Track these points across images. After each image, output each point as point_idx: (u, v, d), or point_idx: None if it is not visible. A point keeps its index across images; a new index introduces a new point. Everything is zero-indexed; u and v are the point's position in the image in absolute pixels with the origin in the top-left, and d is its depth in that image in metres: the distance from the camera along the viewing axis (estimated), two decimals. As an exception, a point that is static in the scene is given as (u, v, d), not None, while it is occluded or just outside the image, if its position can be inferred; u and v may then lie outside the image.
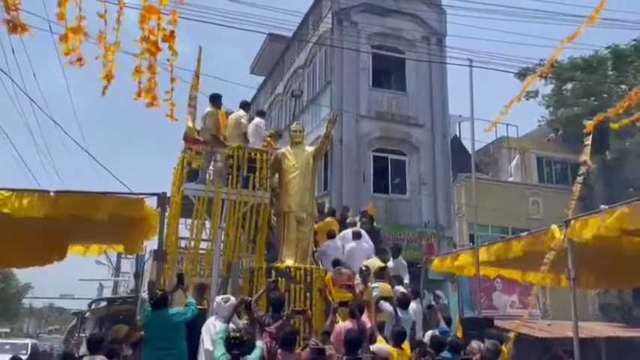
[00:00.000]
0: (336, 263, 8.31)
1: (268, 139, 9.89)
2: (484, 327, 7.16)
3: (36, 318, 68.59)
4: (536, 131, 23.68)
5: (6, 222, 5.91)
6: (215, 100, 9.30)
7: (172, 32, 3.57)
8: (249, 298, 6.35)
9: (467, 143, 19.73)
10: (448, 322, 7.55)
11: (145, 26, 3.57)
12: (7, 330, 42.59)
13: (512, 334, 8.12)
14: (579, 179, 6.94)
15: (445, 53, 18.44)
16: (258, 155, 9.06)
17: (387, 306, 7.12)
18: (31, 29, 3.86)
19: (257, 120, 9.73)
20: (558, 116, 21.57)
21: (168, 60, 3.75)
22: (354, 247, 9.11)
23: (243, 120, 9.30)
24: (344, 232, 9.74)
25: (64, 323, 50.46)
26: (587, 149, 7.15)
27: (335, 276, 8.05)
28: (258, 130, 9.51)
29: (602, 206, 6.01)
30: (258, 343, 5.08)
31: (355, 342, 5.72)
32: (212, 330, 5.84)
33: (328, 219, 10.31)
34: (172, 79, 4.04)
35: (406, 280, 9.10)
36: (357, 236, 9.35)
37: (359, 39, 17.58)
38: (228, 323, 5.45)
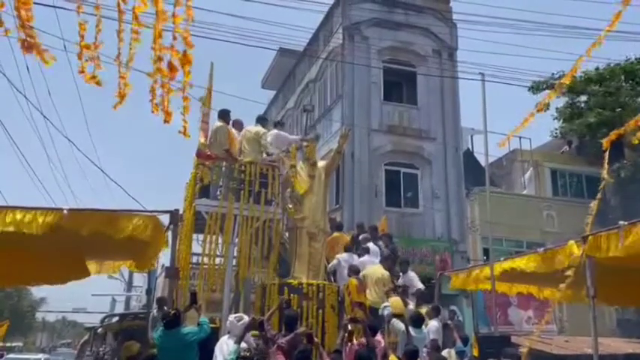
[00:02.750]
0: (358, 271, 8.36)
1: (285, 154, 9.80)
2: (501, 345, 7.01)
3: (49, 332, 68.84)
4: (549, 143, 23.46)
5: (21, 240, 5.93)
6: (224, 115, 9.39)
7: (186, 55, 3.56)
8: (261, 318, 6.29)
9: (479, 156, 19.63)
10: (465, 341, 7.41)
11: (156, 47, 3.58)
12: (21, 344, 42.80)
13: (524, 350, 7.97)
14: (598, 195, 6.82)
15: (456, 67, 18.43)
16: (270, 170, 9.06)
17: (399, 325, 7.02)
18: (49, 52, 3.87)
19: (275, 132, 9.78)
20: (572, 128, 21.37)
21: (180, 84, 3.76)
22: (364, 261, 9.11)
23: (263, 140, 9.28)
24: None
25: (76, 337, 50.58)
26: (605, 165, 7.02)
27: (359, 284, 8.05)
28: (278, 143, 9.53)
29: (621, 222, 5.87)
30: (271, 364, 5.02)
31: (365, 359, 5.66)
32: (225, 349, 5.79)
33: (336, 234, 10.31)
34: (185, 98, 4.04)
35: (420, 286, 9.04)
36: (366, 251, 9.36)
37: (370, 53, 17.61)
38: (239, 343, 5.39)
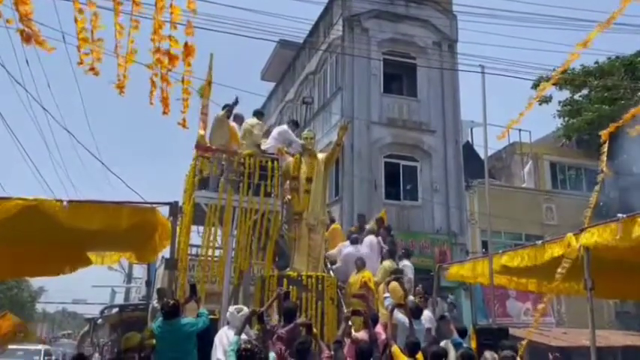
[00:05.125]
0: (365, 264, 8.46)
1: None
2: (499, 338, 7.03)
3: (49, 323, 68.98)
4: (549, 136, 23.46)
5: (21, 232, 5.94)
6: (226, 108, 9.44)
7: (188, 46, 3.55)
8: (261, 309, 6.32)
9: (479, 149, 19.63)
10: (463, 333, 7.42)
11: (156, 39, 3.58)
12: (22, 334, 42.85)
13: (524, 342, 8.01)
14: (596, 188, 6.84)
15: (456, 59, 18.37)
16: (269, 163, 9.06)
17: (400, 317, 7.04)
18: (48, 43, 3.87)
19: (284, 127, 9.82)
20: (572, 125, 21.34)
21: (182, 76, 3.76)
22: (349, 253, 9.13)
23: (255, 130, 9.32)
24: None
25: (76, 328, 50.79)
26: (604, 157, 7.02)
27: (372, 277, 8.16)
28: (281, 138, 9.53)
29: (620, 215, 5.90)
30: (271, 355, 5.04)
31: (366, 353, 5.69)
32: (225, 340, 5.81)
33: (334, 225, 10.33)
34: (185, 90, 4.04)
35: (410, 276, 9.03)
36: (354, 242, 9.38)
37: (370, 45, 17.55)
38: (240, 334, 5.41)
